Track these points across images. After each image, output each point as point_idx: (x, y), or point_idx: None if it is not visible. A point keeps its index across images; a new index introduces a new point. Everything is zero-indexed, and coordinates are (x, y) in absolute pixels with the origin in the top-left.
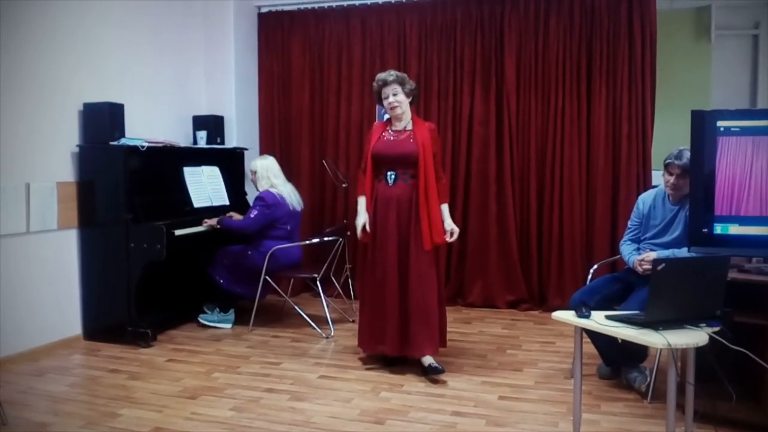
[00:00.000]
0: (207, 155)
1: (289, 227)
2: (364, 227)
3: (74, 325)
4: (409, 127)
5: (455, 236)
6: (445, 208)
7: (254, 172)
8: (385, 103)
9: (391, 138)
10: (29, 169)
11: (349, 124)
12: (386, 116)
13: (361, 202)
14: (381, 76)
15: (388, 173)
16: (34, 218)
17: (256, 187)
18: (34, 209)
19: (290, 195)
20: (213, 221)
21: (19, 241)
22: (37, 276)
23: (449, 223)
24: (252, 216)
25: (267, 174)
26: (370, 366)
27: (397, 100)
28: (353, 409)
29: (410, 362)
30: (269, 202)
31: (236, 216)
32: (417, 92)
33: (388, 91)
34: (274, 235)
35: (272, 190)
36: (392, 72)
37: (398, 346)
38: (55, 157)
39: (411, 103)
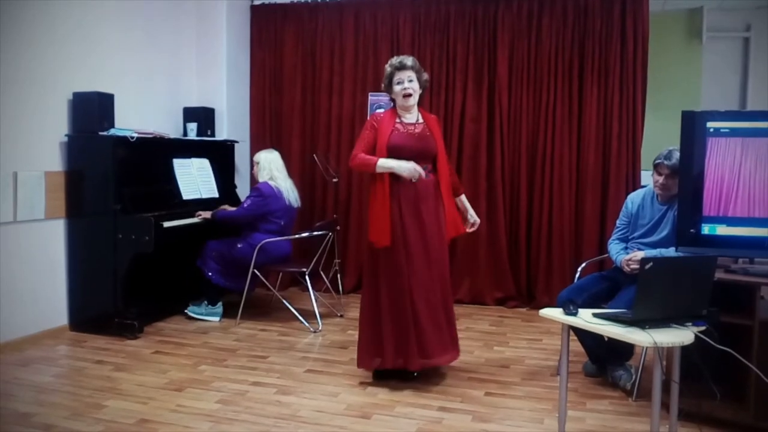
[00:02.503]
0: (197, 147)
1: (282, 222)
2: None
3: (60, 316)
4: (421, 119)
5: (476, 227)
6: (464, 198)
7: (257, 163)
8: (397, 88)
9: (408, 131)
10: (17, 158)
11: (340, 118)
12: (379, 110)
13: (384, 160)
14: (399, 58)
15: None
16: (21, 207)
17: (256, 179)
18: (22, 198)
19: (288, 191)
20: (207, 214)
21: (5, 231)
22: (23, 265)
23: (473, 214)
24: (245, 206)
25: (269, 166)
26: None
27: (413, 87)
28: (340, 403)
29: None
30: (265, 192)
31: (229, 209)
32: (427, 86)
33: (403, 76)
34: (266, 228)
35: (271, 182)
36: (412, 57)
37: (442, 353)
38: (43, 146)
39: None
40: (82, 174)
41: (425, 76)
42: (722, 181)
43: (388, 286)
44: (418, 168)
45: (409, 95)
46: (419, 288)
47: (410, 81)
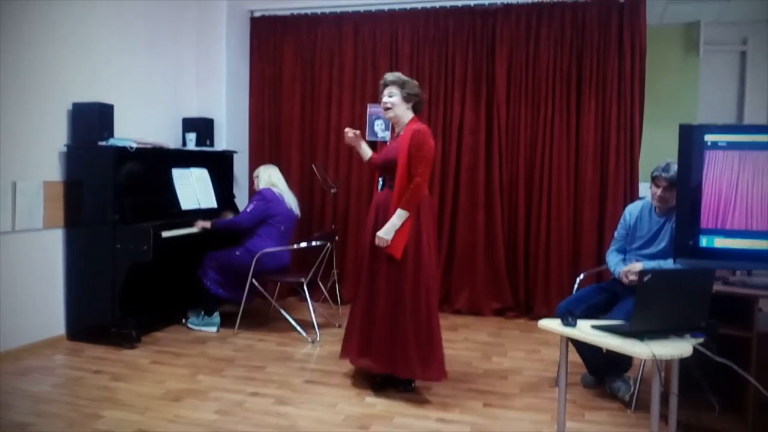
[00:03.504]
0: (196, 157)
1: (283, 228)
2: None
3: (58, 325)
4: (402, 132)
5: (380, 243)
6: (398, 214)
7: (256, 177)
8: (381, 103)
9: (386, 146)
10: (16, 168)
11: (339, 129)
12: (378, 120)
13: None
14: (385, 75)
15: (380, 179)
16: (20, 217)
17: (257, 191)
18: (20, 208)
19: (289, 198)
20: (206, 223)
21: (4, 240)
22: (21, 275)
23: (383, 229)
24: (248, 210)
25: (269, 177)
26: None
27: (391, 102)
28: (338, 414)
29: None
30: (267, 197)
31: (229, 216)
32: (419, 98)
33: (385, 92)
34: (266, 233)
35: (273, 188)
36: (395, 73)
37: (359, 355)
38: (42, 156)
39: (415, 111)
40: (81, 184)
41: (411, 89)
42: (720, 194)
43: (359, 285)
44: (350, 131)
45: (387, 109)
46: (363, 292)
47: (389, 96)
